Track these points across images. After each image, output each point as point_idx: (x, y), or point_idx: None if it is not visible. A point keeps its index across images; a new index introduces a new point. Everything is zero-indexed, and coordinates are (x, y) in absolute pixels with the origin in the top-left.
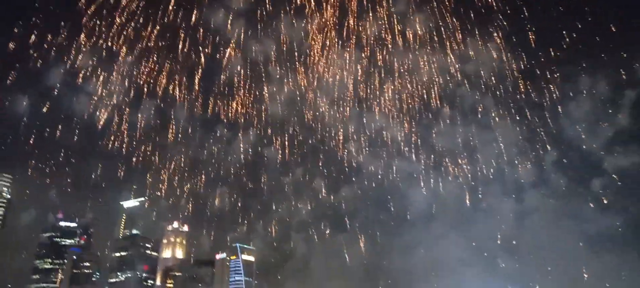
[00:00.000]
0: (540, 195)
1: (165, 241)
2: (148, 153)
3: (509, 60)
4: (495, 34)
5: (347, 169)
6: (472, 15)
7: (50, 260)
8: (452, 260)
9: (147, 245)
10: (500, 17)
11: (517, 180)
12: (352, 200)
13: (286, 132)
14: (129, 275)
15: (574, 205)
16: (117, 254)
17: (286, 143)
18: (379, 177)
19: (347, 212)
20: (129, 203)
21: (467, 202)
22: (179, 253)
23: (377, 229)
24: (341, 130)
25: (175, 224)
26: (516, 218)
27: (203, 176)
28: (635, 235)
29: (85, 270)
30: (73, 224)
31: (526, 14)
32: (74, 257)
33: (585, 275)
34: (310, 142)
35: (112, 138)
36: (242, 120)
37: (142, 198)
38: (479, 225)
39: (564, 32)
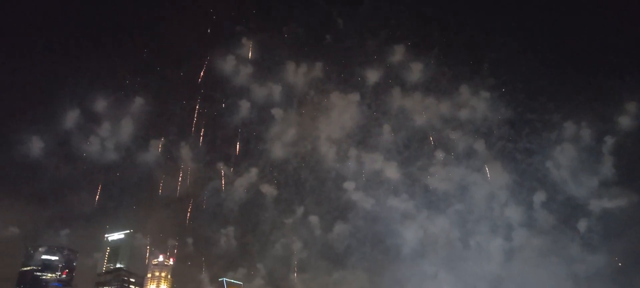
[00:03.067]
0: (528, 234)
1: (149, 275)
2: (138, 186)
3: (498, 108)
4: (486, 84)
5: (343, 207)
6: (463, 66)
7: None
8: None
9: (131, 279)
10: (490, 68)
11: (506, 219)
12: (346, 238)
13: (285, 171)
14: None
15: (561, 244)
16: None
17: (284, 181)
18: (373, 215)
19: (340, 249)
20: (114, 236)
21: (458, 240)
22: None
23: (370, 266)
24: (339, 169)
25: (161, 258)
26: (505, 257)
27: (189, 211)
28: (621, 275)
29: None
30: (55, 257)
31: (515, 66)
32: None
33: None
34: (308, 180)
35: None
36: (243, 159)
37: (127, 231)
38: (468, 263)
39: (550, 82)
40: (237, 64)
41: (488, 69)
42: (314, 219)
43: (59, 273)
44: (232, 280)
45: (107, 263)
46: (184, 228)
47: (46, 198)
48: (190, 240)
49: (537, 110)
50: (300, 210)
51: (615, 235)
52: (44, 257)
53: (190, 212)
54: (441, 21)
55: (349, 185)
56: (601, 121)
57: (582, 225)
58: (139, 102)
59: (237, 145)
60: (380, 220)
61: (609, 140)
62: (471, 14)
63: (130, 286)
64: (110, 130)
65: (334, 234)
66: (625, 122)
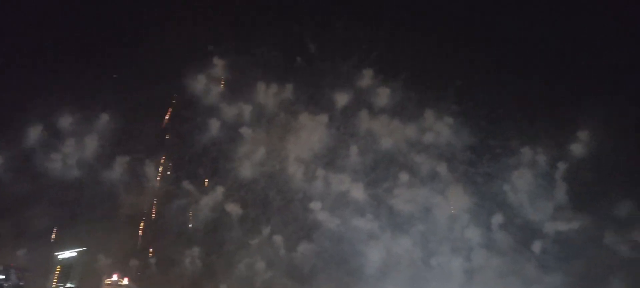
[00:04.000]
0: (487, 254)
1: None
2: (98, 204)
3: (461, 134)
4: (450, 110)
5: (309, 227)
6: (429, 92)
7: None
8: None
9: None
10: (455, 95)
11: (466, 240)
12: (312, 258)
13: (252, 190)
14: None
15: (519, 265)
16: None
17: (251, 201)
18: (339, 235)
19: (306, 269)
20: (65, 255)
21: (420, 260)
22: None
23: (335, 286)
24: (306, 189)
25: (115, 277)
26: (465, 277)
27: (141, 230)
28: None
29: None
30: (1, 277)
31: (478, 93)
32: None
33: None
34: (275, 200)
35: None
36: (210, 178)
37: (80, 249)
38: (430, 283)
39: (510, 110)
40: (207, 83)
41: (453, 95)
42: (279, 239)
43: None
44: None
45: (57, 282)
46: (144, 248)
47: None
48: (152, 261)
49: (498, 137)
50: (266, 230)
51: (570, 257)
52: None
53: (149, 231)
54: (410, 47)
55: (316, 205)
56: (556, 148)
57: (537, 246)
58: (104, 118)
59: (204, 164)
60: (345, 240)
61: (562, 166)
62: (439, 41)
63: None
64: (74, 147)
65: (299, 254)
66: (577, 149)
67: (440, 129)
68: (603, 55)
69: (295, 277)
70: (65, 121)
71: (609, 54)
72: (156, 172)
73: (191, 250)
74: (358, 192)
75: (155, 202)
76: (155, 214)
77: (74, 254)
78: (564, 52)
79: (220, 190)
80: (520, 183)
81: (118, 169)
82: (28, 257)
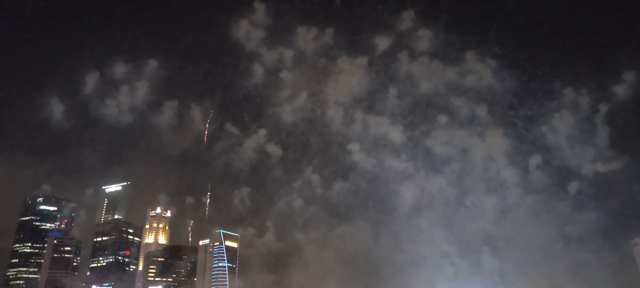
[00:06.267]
0: (522, 193)
1: (147, 226)
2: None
3: (503, 76)
4: (492, 52)
5: (345, 168)
6: (471, 35)
7: (30, 244)
8: (437, 254)
9: (129, 230)
10: (496, 38)
11: (501, 180)
12: (346, 195)
13: (294, 133)
14: (111, 260)
15: (553, 203)
16: (99, 239)
17: (291, 142)
18: (373, 174)
19: (340, 207)
20: (111, 188)
21: (454, 199)
22: (162, 239)
23: (368, 223)
24: (345, 131)
25: (159, 210)
26: (498, 215)
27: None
28: (607, 235)
29: (66, 255)
30: (53, 208)
31: (521, 36)
32: (55, 241)
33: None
34: (314, 141)
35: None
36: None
37: (125, 183)
38: (463, 221)
39: (553, 51)
40: (249, 28)
41: (495, 38)
42: (316, 178)
43: (58, 223)
44: (229, 232)
45: (105, 214)
46: (192, 185)
47: (49, 152)
48: (197, 197)
49: (540, 79)
50: (305, 171)
51: (606, 197)
52: (42, 207)
53: (196, 170)
54: None
55: (354, 146)
56: (599, 89)
57: (573, 187)
58: (152, 65)
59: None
60: (380, 180)
61: (604, 108)
62: None
63: (129, 236)
64: (126, 93)
65: (335, 192)
66: (621, 91)
67: (481, 71)
68: None
69: (332, 213)
70: (119, 69)
71: None
72: (202, 116)
73: (239, 189)
74: (396, 134)
75: (204, 142)
76: (201, 154)
77: (119, 188)
78: None
79: (262, 132)
80: (560, 126)
81: (167, 113)
82: (76, 191)
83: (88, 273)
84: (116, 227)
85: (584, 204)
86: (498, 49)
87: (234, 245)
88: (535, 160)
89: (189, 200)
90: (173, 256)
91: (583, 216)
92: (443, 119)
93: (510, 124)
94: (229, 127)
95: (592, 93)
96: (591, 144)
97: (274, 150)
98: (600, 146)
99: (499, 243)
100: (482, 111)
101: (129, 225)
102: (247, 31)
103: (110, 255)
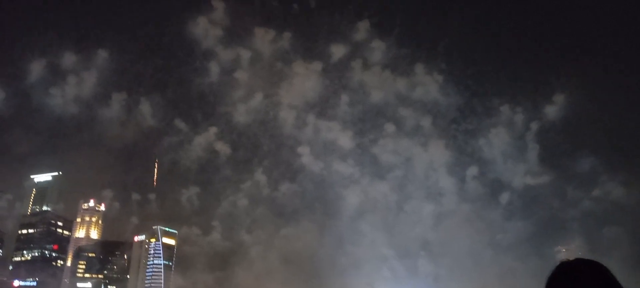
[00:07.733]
0: (457, 200)
1: (79, 220)
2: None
3: (447, 91)
4: (439, 66)
5: (293, 170)
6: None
7: None
8: (377, 257)
9: (58, 223)
10: (444, 52)
11: (439, 188)
12: (292, 197)
13: (245, 134)
14: (36, 254)
15: (486, 211)
16: (24, 231)
17: (242, 142)
18: (320, 177)
19: (286, 208)
20: (41, 177)
21: (394, 204)
22: (94, 234)
23: (313, 225)
24: (296, 134)
25: (92, 203)
26: (435, 220)
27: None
28: (533, 243)
29: None
30: None
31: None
32: None
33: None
34: (265, 143)
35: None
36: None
37: (56, 173)
38: (402, 226)
39: (495, 69)
40: (207, 26)
41: (443, 54)
42: (263, 179)
43: None
44: (167, 229)
45: (33, 205)
46: (136, 180)
47: None
48: (142, 193)
49: (480, 96)
50: (253, 171)
51: (533, 208)
52: None
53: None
54: (404, 2)
55: (303, 149)
56: (532, 108)
57: (504, 197)
58: (103, 55)
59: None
60: (326, 183)
61: (535, 126)
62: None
63: (58, 229)
64: (73, 83)
65: (281, 193)
66: (551, 111)
67: (428, 85)
68: (584, 25)
69: (279, 214)
70: (67, 58)
71: (591, 26)
72: (151, 110)
73: (186, 187)
74: (345, 140)
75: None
76: (148, 149)
77: (49, 178)
78: (550, 17)
79: (213, 130)
80: (496, 141)
81: (114, 106)
82: (2, 179)
83: (11, 267)
84: (44, 219)
85: (513, 214)
86: (445, 65)
87: (172, 242)
88: (472, 171)
89: (134, 196)
90: (105, 252)
91: (512, 225)
92: (390, 128)
93: (452, 136)
94: (179, 124)
95: (526, 112)
96: (522, 160)
97: (223, 149)
98: (530, 162)
99: (434, 248)
100: (426, 122)
101: (59, 218)
102: (205, 29)
103: (36, 249)
